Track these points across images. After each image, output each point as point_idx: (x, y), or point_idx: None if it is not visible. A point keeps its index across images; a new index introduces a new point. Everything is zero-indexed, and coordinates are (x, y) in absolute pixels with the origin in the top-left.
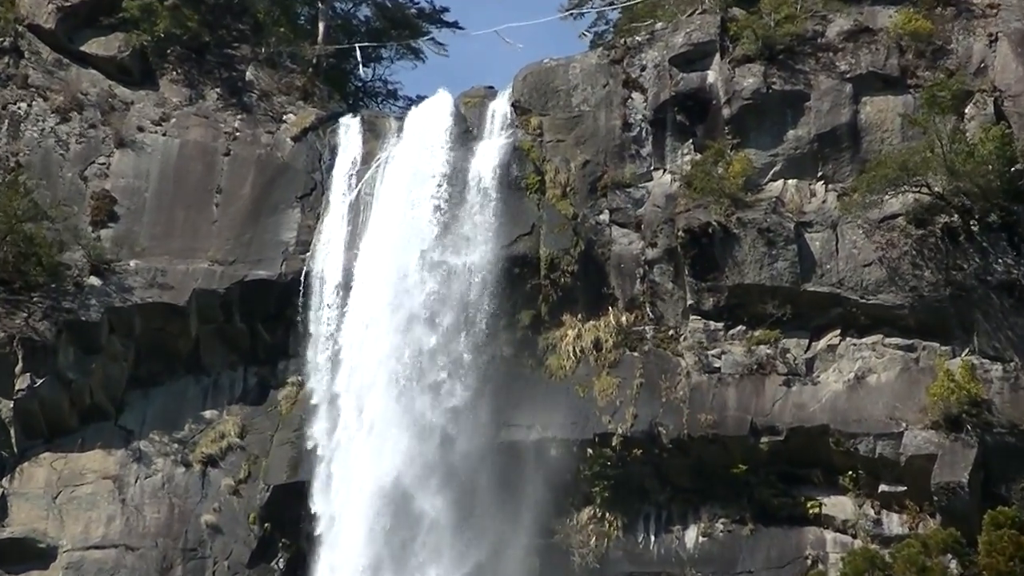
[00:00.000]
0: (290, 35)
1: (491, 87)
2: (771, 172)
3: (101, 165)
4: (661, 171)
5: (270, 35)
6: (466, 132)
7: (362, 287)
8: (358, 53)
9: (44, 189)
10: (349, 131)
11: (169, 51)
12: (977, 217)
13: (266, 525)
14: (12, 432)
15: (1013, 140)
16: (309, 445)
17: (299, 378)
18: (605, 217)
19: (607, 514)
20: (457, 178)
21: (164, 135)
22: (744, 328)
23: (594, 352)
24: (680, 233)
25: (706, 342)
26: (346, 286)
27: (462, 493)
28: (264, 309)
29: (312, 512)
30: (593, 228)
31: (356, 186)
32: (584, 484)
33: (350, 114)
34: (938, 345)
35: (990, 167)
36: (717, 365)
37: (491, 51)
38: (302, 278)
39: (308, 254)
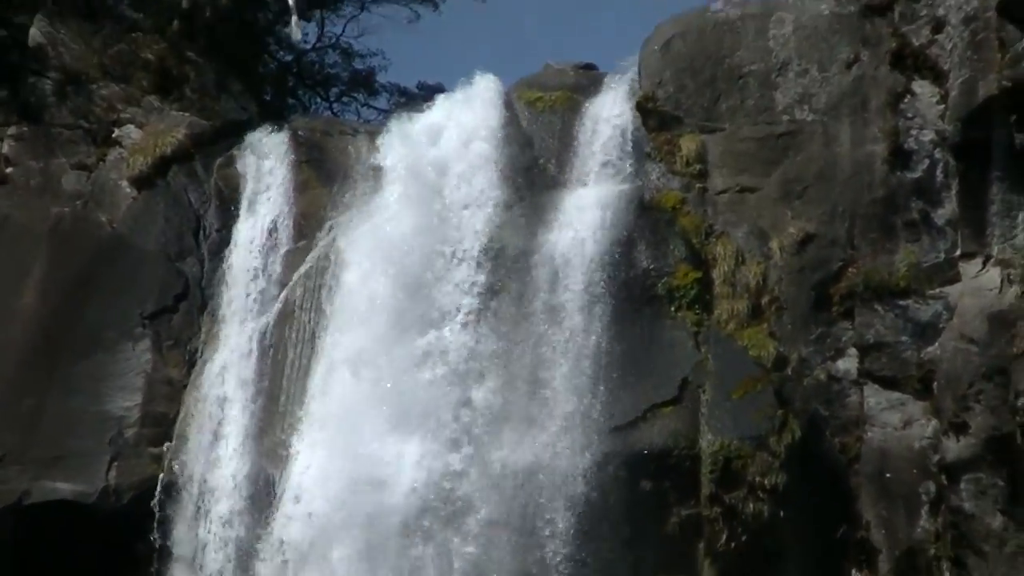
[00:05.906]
0: None
1: (590, 65)
2: None
3: None
4: (979, 260)
5: None
6: (535, 168)
7: (297, 519)
8: None
9: None
10: (264, 163)
11: None
12: None
13: None
14: None
15: None
16: None
17: None
18: (850, 365)
19: None
20: (517, 275)
21: None
22: None
23: None
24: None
25: None
26: (257, 517)
27: None
28: (69, 565)
29: None
30: (821, 389)
31: (279, 292)
32: None
33: (268, 125)
34: None
35: None
36: None
37: None
38: (157, 498)
39: (170, 444)
